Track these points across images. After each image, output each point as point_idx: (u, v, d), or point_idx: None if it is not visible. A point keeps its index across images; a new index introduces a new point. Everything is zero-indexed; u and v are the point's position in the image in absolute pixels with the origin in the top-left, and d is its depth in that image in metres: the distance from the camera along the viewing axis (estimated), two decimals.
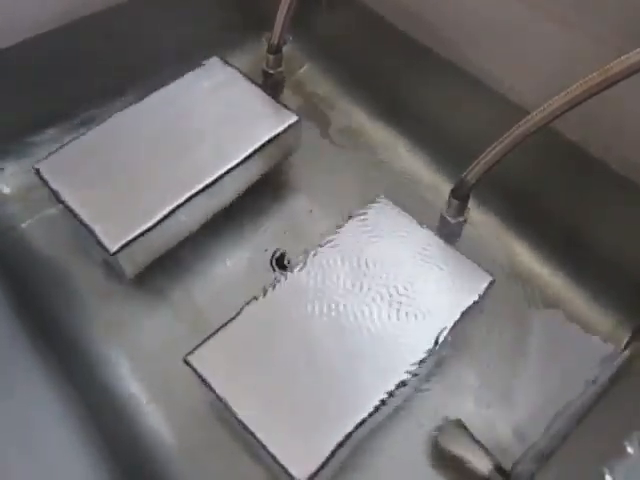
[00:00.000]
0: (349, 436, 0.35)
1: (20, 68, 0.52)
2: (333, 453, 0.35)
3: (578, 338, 0.46)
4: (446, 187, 0.46)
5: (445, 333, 0.39)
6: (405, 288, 0.41)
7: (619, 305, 0.47)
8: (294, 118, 0.50)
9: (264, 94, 0.51)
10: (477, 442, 0.39)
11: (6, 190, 0.53)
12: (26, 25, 0.52)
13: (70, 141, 0.47)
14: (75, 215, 0.43)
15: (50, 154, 0.47)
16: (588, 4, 0.40)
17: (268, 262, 0.50)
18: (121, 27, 0.56)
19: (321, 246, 0.43)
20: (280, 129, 0.49)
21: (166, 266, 0.48)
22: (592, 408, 0.35)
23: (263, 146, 0.48)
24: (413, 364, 0.38)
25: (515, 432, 0.42)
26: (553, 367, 0.44)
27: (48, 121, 0.55)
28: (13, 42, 0.51)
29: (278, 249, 0.50)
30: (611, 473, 0.25)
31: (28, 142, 0.54)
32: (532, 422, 0.42)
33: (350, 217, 0.45)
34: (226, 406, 0.36)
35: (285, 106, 0.50)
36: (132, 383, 0.43)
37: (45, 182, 0.45)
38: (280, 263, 0.50)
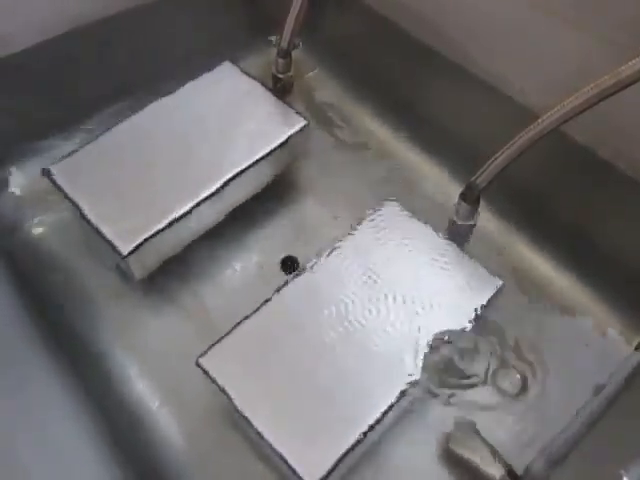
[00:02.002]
0: (360, 439, 0.35)
1: (31, 72, 0.53)
2: (344, 456, 0.35)
3: (589, 340, 0.46)
4: (455, 190, 0.46)
5: (455, 336, 0.39)
6: (415, 291, 0.41)
7: (630, 306, 0.47)
8: (303, 122, 0.50)
9: (274, 98, 0.51)
10: (488, 446, 0.39)
11: (18, 193, 0.53)
12: (36, 30, 0.52)
13: (82, 145, 0.48)
14: (86, 218, 0.44)
15: (62, 157, 0.47)
16: (600, 6, 0.40)
17: (277, 265, 0.50)
18: (132, 32, 0.57)
19: (331, 249, 0.43)
20: (289, 133, 0.49)
21: (176, 269, 0.48)
22: (606, 410, 0.35)
23: (273, 150, 0.48)
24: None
25: (527, 436, 0.41)
26: (564, 369, 0.44)
27: (60, 124, 0.55)
28: (24, 46, 0.51)
29: (287, 252, 0.50)
30: (628, 475, 0.25)
31: (39, 145, 0.54)
32: (544, 425, 0.42)
33: (359, 221, 0.45)
34: (237, 408, 0.36)
35: (294, 110, 0.51)
36: (142, 385, 0.44)
37: (56, 185, 0.45)
38: (289, 266, 0.50)
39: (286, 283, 0.42)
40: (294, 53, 0.56)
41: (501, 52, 0.48)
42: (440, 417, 0.42)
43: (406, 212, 0.46)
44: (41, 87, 0.53)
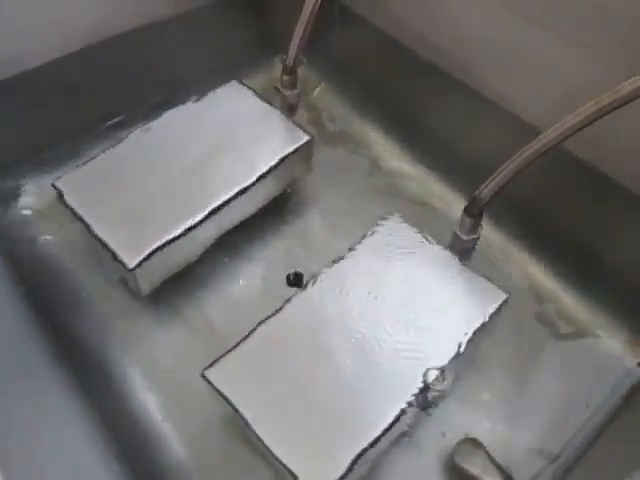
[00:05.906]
0: (365, 451, 0.35)
1: (44, 88, 0.54)
2: (349, 468, 0.35)
3: (592, 354, 0.46)
4: (459, 204, 0.46)
5: (459, 349, 0.40)
6: (419, 305, 0.42)
7: (634, 322, 0.47)
8: (307, 137, 0.51)
9: (279, 114, 0.52)
10: (492, 460, 0.39)
11: (29, 206, 0.54)
12: (48, 49, 0.53)
13: (89, 159, 0.48)
14: (92, 232, 0.44)
15: (69, 172, 0.48)
16: (600, 26, 0.41)
17: (282, 280, 0.50)
18: (140, 50, 0.58)
19: (335, 263, 0.44)
20: (294, 148, 0.50)
21: (181, 283, 0.49)
22: (611, 421, 0.35)
23: (277, 165, 0.49)
24: (428, 380, 0.38)
25: (531, 449, 0.41)
26: (568, 383, 0.44)
27: (67, 138, 0.56)
28: (38, 64, 0.53)
29: (292, 267, 0.51)
30: None
31: (48, 159, 0.55)
32: (548, 439, 0.42)
33: (364, 235, 0.45)
34: (243, 420, 0.36)
35: (299, 126, 0.51)
36: (148, 398, 0.44)
37: (63, 199, 0.46)
38: (294, 281, 0.50)
39: (291, 297, 0.42)
40: (300, 70, 0.57)
41: (503, 70, 0.49)
42: (444, 432, 0.42)
43: (410, 226, 0.46)
44: (53, 103, 0.54)
